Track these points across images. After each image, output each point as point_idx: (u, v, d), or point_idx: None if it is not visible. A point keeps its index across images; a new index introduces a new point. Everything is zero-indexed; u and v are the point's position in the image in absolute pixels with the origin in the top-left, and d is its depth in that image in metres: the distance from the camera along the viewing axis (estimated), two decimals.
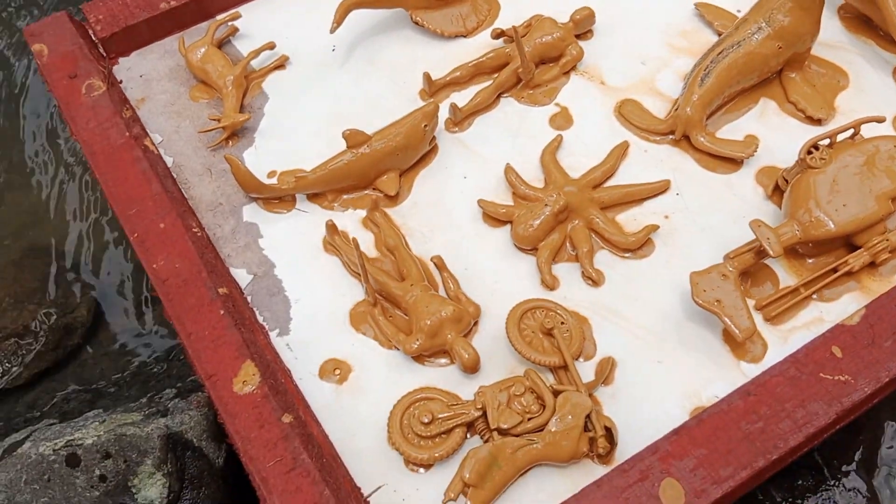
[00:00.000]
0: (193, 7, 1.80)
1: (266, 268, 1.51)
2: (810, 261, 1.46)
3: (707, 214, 1.53)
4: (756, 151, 1.57)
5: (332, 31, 1.70)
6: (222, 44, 1.80)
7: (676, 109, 1.60)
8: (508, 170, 1.57)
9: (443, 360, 1.40)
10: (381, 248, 1.52)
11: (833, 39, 1.76)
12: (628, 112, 1.66)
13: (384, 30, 1.82)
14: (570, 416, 1.25)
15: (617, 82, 1.72)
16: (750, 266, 1.40)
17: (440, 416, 1.29)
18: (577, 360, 1.37)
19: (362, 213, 1.57)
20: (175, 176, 1.61)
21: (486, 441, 1.28)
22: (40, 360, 1.77)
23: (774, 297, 1.41)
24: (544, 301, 1.40)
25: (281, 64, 1.77)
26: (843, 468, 1.55)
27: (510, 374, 1.36)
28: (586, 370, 1.37)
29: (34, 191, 2.10)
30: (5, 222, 2.03)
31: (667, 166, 1.60)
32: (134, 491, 1.31)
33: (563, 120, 1.67)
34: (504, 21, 1.82)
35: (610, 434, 1.26)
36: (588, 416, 1.25)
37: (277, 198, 1.58)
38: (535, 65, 1.70)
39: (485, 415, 1.28)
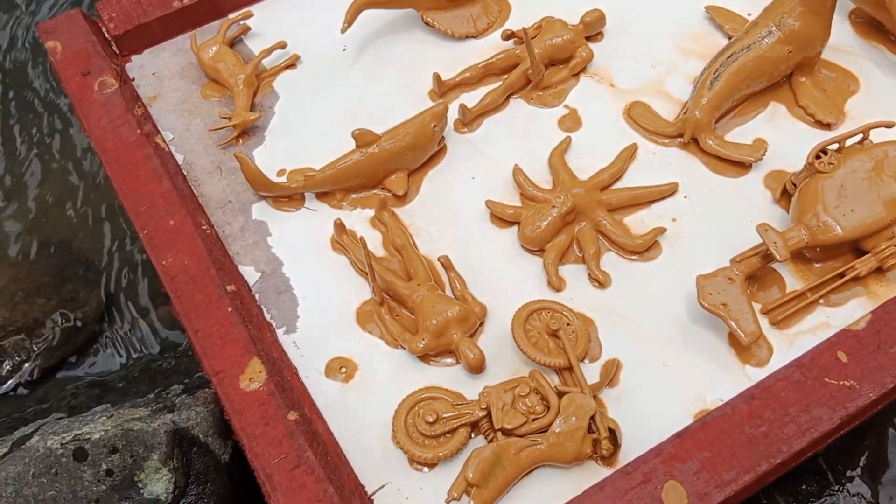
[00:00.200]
0: (206, 5, 1.81)
1: (274, 266, 1.52)
2: (817, 265, 1.46)
3: (715, 218, 1.53)
4: (764, 155, 1.56)
5: (343, 31, 1.71)
6: (234, 42, 1.81)
7: (685, 112, 1.60)
8: (517, 171, 1.57)
9: (449, 360, 1.40)
10: (389, 248, 1.52)
11: (844, 44, 1.75)
12: (637, 114, 1.66)
13: (395, 30, 1.82)
14: (574, 418, 1.25)
15: (626, 85, 1.72)
16: (756, 270, 1.40)
17: (445, 415, 1.30)
18: (582, 361, 1.37)
19: (370, 212, 1.57)
20: (185, 173, 1.62)
21: (490, 441, 1.28)
22: (50, 355, 1.79)
23: (781, 302, 1.41)
24: (550, 302, 1.41)
25: (292, 63, 1.78)
26: (848, 473, 1.55)
27: (515, 375, 1.36)
28: (592, 372, 1.37)
29: (48, 186, 2.11)
30: (19, 217, 2.05)
31: (675, 169, 1.60)
32: (140, 486, 1.32)
33: (571, 122, 1.67)
34: (515, 22, 1.82)
35: (614, 436, 1.26)
36: (592, 418, 1.26)
37: (286, 196, 1.58)
38: (544, 66, 1.71)
39: (489, 415, 1.29)
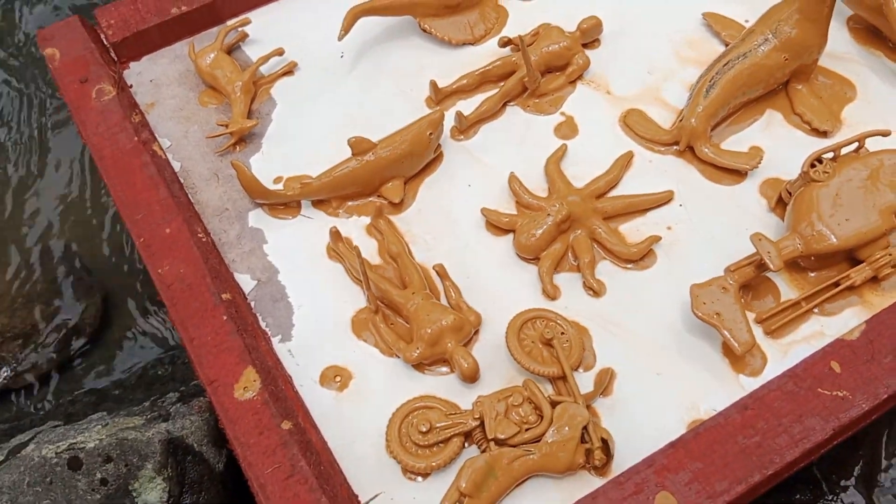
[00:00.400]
0: (204, 12, 1.81)
1: (270, 273, 1.52)
2: (812, 274, 1.46)
3: (710, 226, 1.53)
4: (760, 163, 1.56)
5: (340, 38, 1.71)
6: (232, 49, 1.81)
7: (681, 120, 1.60)
8: (512, 178, 1.57)
9: (443, 369, 1.40)
10: (385, 256, 1.53)
11: (841, 51, 1.75)
12: (633, 122, 1.66)
13: (392, 37, 1.82)
14: (566, 428, 1.25)
15: (623, 92, 1.72)
16: (751, 279, 1.40)
17: (438, 425, 1.30)
18: (576, 370, 1.38)
19: (367, 219, 1.58)
20: (182, 180, 1.63)
21: (483, 451, 1.29)
22: (48, 361, 1.80)
23: (775, 311, 1.41)
24: (545, 311, 1.41)
25: (289, 70, 1.79)
26: (842, 483, 1.55)
27: (510, 384, 1.36)
28: (586, 381, 1.37)
29: (48, 192, 2.12)
30: (19, 223, 2.06)
31: (671, 177, 1.60)
32: (135, 495, 1.33)
33: (568, 129, 1.67)
34: (512, 29, 1.82)
35: (606, 446, 1.26)
36: (585, 428, 1.26)
37: (283, 204, 1.59)
38: (541, 73, 1.71)
39: (482, 424, 1.29)
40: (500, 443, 1.27)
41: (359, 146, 1.54)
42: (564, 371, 1.33)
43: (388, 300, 1.45)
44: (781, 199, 1.53)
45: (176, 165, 1.65)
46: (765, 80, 1.61)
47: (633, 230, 1.54)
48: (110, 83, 1.67)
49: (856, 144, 1.49)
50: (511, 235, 1.52)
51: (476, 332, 1.43)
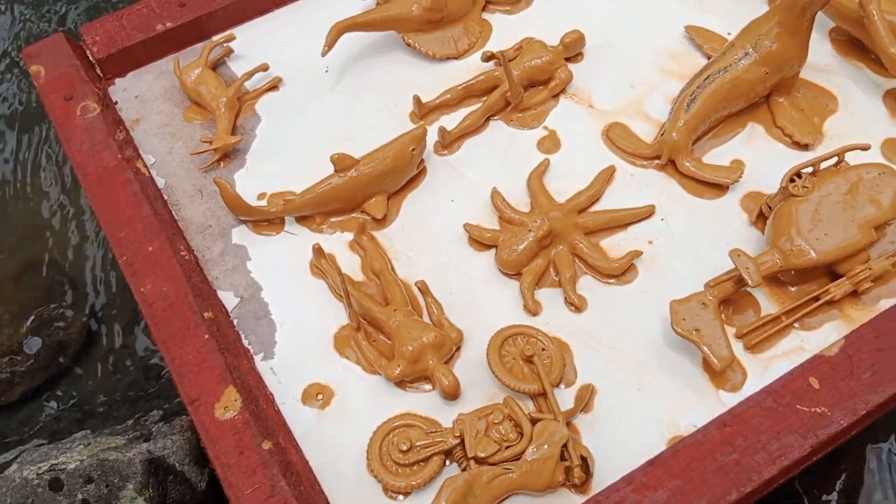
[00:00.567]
0: (189, 28, 1.82)
1: (253, 290, 1.52)
2: (793, 289, 1.46)
3: (691, 240, 1.54)
4: (741, 177, 1.57)
5: (324, 53, 1.71)
6: (217, 65, 1.81)
7: (663, 134, 1.60)
8: (495, 194, 1.58)
9: (426, 386, 1.41)
10: (367, 272, 1.53)
11: (823, 63, 1.75)
12: (615, 136, 1.66)
13: (377, 52, 1.83)
14: (546, 446, 1.26)
15: (605, 105, 1.72)
16: (730, 294, 1.41)
17: (418, 443, 1.30)
18: (557, 386, 1.38)
19: (350, 235, 1.58)
20: (166, 197, 1.63)
21: (463, 469, 1.29)
22: (33, 378, 1.80)
23: (755, 326, 1.42)
24: (526, 327, 1.41)
25: (274, 85, 1.79)
26: (824, 497, 1.55)
27: (491, 401, 1.37)
28: (566, 397, 1.38)
29: (33, 207, 2.13)
30: (4, 238, 2.06)
31: (653, 191, 1.60)
32: None
33: (551, 143, 1.68)
34: (496, 43, 1.83)
35: (586, 464, 1.27)
36: (565, 446, 1.26)
37: (266, 220, 1.59)
38: (524, 88, 1.71)
39: (463, 443, 1.29)
40: (480, 461, 1.27)
41: (341, 163, 1.55)
42: (545, 388, 1.33)
43: (370, 317, 1.45)
44: (762, 214, 1.53)
45: (160, 182, 1.66)
46: (745, 94, 1.62)
47: (615, 245, 1.54)
48: (95, 100, 1.67)
49: (835, 159, 1.50)
50: (494, 251, 1.53)
51: (458, 349, 1.43)
